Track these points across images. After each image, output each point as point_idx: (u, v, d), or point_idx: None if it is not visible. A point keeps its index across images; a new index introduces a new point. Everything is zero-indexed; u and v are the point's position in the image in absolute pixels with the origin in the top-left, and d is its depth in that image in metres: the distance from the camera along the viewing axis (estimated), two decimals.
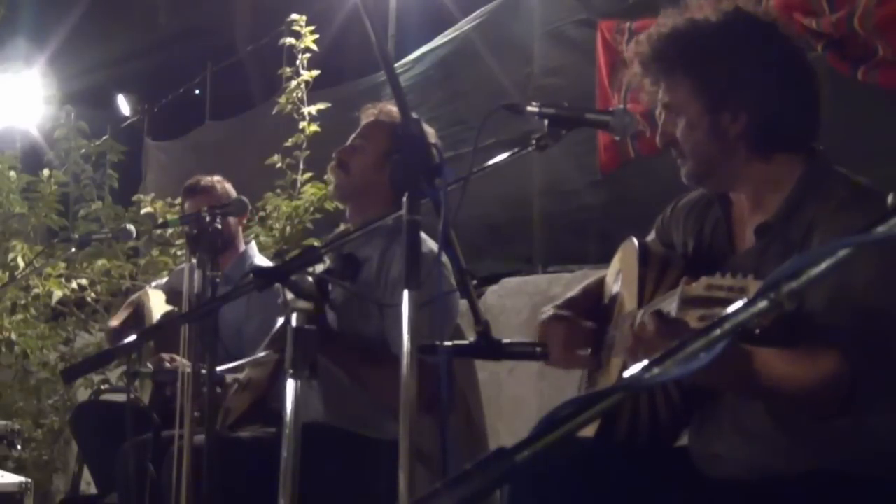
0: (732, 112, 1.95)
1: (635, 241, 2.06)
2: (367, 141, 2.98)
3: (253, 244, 3.93)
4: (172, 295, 3.59)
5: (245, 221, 4.07)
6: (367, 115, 3.07)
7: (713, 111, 1.96)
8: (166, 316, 3.53)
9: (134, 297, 3.87)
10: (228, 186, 3.90)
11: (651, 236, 2.22)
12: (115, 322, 3.79)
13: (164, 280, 4.10)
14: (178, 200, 5.65)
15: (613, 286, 2.18)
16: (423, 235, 2.70)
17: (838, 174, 1.94)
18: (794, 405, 1.84)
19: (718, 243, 2.06)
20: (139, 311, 3.71)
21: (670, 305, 1.66)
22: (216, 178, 3.92)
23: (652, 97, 2.07)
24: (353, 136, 3.05)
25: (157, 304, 3.43)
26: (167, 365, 3.13)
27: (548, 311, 2.21)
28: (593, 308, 2.21)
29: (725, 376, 1.76)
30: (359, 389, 2.76)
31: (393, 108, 3.11)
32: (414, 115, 1.74)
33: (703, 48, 1.98)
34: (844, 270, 1.69)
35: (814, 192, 1.91)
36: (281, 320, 2.80)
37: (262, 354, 2.88)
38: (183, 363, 2.80)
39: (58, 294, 5.80)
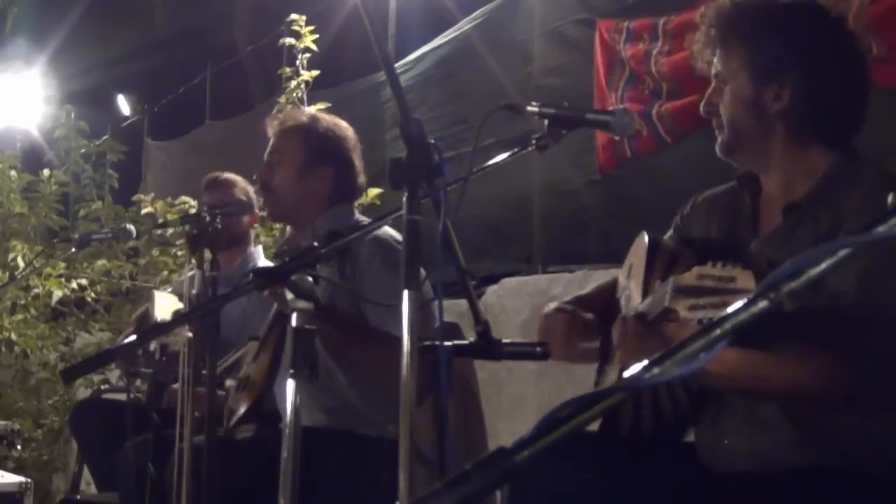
0: (777, 89, 1.97)
1: (646, 235, 2.07)
2: (282, 154, 2.91)
3: (260, 248, 3.92)
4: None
5: (256, 223, 4.03)
6: (272, 126, 2.98)
7: (759, 84, 1.98)
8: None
9: (139, 311, 3.86)
10: (249, 188, 3.83)
11: (668, 234, 2.23)
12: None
13: (170, 289, 4.10)
14: (178, 200, 5.68)
15: (624, 281, 2.19)
16: (386, 228, 2.69)
17: (869, 163, 1.96)
18: (788, 402, 1.86)
19: (741, 231, 2.07)
20: (146, 317, 3.70)
21: (664, 296, 1.68)
22: (238, 176, 3.86)
23: (706, 68, 2.08)
24: (266, 152, 2.97)
25: (161, 306, 3.42)
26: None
27: (551, 305, 2.21)
28: (605, 305, 2.22)
29: (701, 376, 1.79)
30: (354, 382, 2.75)
31: (297, 112, 3.05)
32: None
33: (764, 20, 2.00)
34: (876, 260, 1.72)
35: (845, 179, 1.92)
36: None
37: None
38: (185, 335, 2.77)
39: (58, 294, 5.79)
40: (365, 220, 3.04)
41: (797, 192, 1.97)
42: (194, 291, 2.68)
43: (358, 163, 2.96)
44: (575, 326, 2.15)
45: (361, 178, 2.97)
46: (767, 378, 1.82)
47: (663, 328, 1.74)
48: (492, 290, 4.77)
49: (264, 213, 3.12)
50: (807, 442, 1.87)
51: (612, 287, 2.26)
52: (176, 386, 2.80)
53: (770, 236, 2.00)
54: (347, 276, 2.73)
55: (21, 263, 5.68)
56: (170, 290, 4.07)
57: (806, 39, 1.98)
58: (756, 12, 2.01)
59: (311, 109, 5.21)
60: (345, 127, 2.99)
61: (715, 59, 2.05)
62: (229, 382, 2.90)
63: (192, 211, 5.08)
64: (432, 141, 1.67)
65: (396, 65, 6.26)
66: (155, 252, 5.84)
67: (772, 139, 1.99)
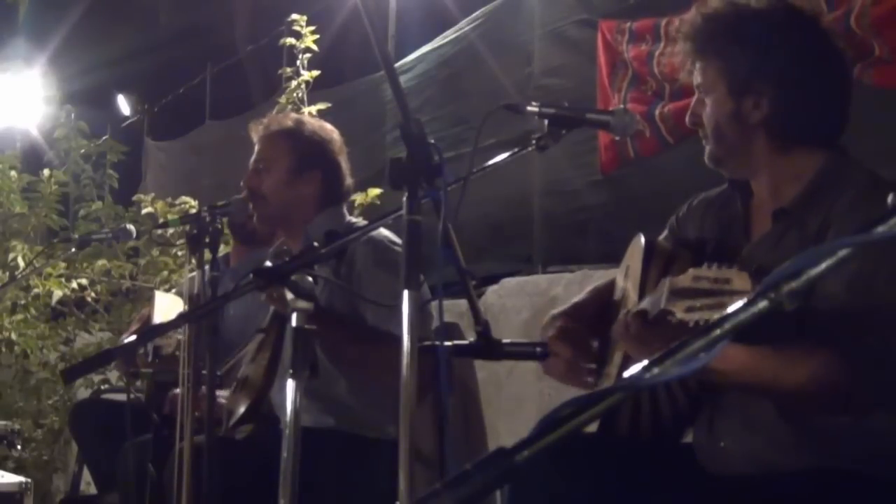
0: (755, 98, 1.97)
1: (643, 237, 2.07)
2: (270, 161, 2.92)
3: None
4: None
5: None
6: (257, 132, 2.99)
7: (737, 95, 1.99)
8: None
9: (144, 311, 3.85)
10: None
11: (663, 235, 2.23)
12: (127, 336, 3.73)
13: (174, 290, 4.10)
14: (178, 200, 5.67)
15: (622, 283, 2.19)
16: (381, 229, 2.69)
17: (859, 166, 1.96)
18: (788, 402, 1.85)
19: (734, 235, 2.07)
20: (148, 318, 3.70)
21: (660, 298, 1.69)
22: None
23: (690, 79, 2.09)
24: (252, 158, 2.97)
25: (161, 307, 3.41)
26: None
27: (552, 322, 2.17)
28: (602, 308, 2.21)
29: (711, 374, 1.78)
30: (353, 383, 2.75)
31: (282, 117, 3.07)
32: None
33: (733, 31, 2.00)
34: (865, 261, 1.72)
35: (833, 182, 1.92)
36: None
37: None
38: (177, 339, 2.77)
39: (58, 294, 5.79)
40: (357, 221, 3.04)
41: (786, 197, 1.98)
42: (195, 291, 2.68)
43: (345, 164, 2.96)
44: (579, 357, 2.14)
45: (349, 180, 2.98)
46: (776, 376, 1.80)
47: (663, 325, 1.73)
48: (492, 290, 4.77)
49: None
50: (803, 444, 1.87)
51: (608, 289, 2.26)
52: (176, 391, 2.79)
53: (760, 242, 2.00)
54: (343, 277, 2.73)
55: (21, 263, 5.67)
56: (174, 290, 4.07)
57: (778, 46, 1.98)
58: (726, 24, 2.01)
59: (312, 110, 5.24)
60: (330, 129, 2.99)
61: (695, 72, 2.06)
62: (225, 393, 2.89)
63: (192, 211, 5.08)
64: (432, 141, 1.67)
65: (396, 65, 6.25)
66: (155, 252, 5.83)
67: (756, 147, 2.00)
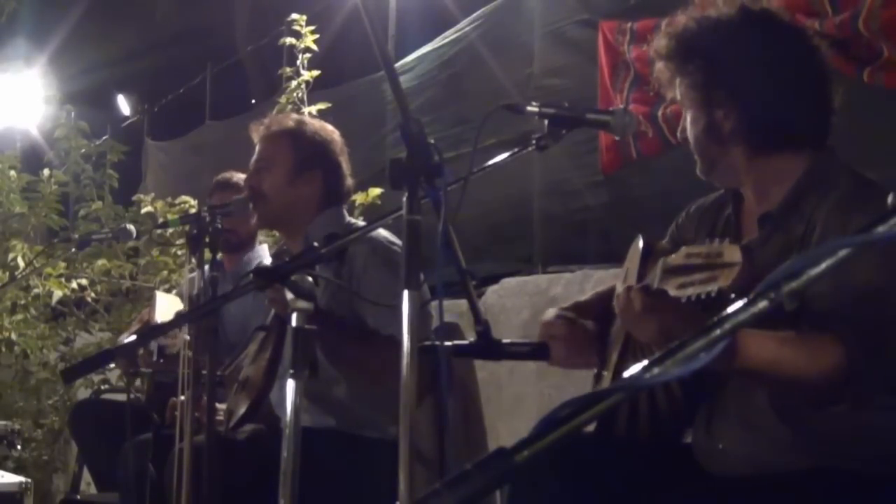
0: (725, 109, 1.97)
1: (641, 239, 2.07)
2: (271, 160, 2.92)
3: (265, 246, 3.91)
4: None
5: None
6: (258, 132, 3.00)
7: (707, 108, 2.00)
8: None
9: (144, 311, 3.86)
10: None
11: (665, 240, 2.23)
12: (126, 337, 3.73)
13: (175, 290, 4.10)
14: (178, 200, 5.68)
15: (621, 286, 2.19)
16: (380, 230, 2.70)
17: (844, 169, 1.94)
18: (792, 391, 1.83)
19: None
20: (148, 318, 3.70)
21: (654, 279, 1.69)
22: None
23: (674, 93, 2.12)
24: (253, 158, 2.98)
25: (162, 308, 3.41)
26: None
27: (552, 311, 2.21)
28: (603, 311, 2.22)
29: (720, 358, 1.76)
30: (353, 384, 2.76)
31: (283, 117, 3.08)
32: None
33: (694, 45, 2.01)
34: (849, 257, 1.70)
35: (818, 185, 1.91)
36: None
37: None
38: (183, 338, 2.77)
39: (58, 294, 5.79)
40: (356, 222, 3.04)
41: (772, 201, 1.97)
42: (195, 292, 2.68)
43: (345, 165, 2.97)
44: (575, 334, 2.15)
45: (349, 181, 2.99)
46: (795, 361, 1.77)
47: (663, 302, 1.71)
48: (492, 290, 4.78)
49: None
50: (801, 444, 1.87)
51: (610, 294, 2.26)
52: (175, 399, 2.79)
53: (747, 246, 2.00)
54: (344, 278, 2.73)
55: (21, 263, 5.68)
56: (174, 291, 4.07)
57: (736, 54, 1.97)
58: (687, 39, 2.02)
59: (312, 110, 5.24)
60: (331, 130, 2.99)
61: (674, 88, 2.08)
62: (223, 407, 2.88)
63: (192, 211, 5.08)
64: (432, 141, 1.67)
65: (396, 65, 6.25)
66: (155, 252, 5.84)
67: (735, 157, 2.00)
